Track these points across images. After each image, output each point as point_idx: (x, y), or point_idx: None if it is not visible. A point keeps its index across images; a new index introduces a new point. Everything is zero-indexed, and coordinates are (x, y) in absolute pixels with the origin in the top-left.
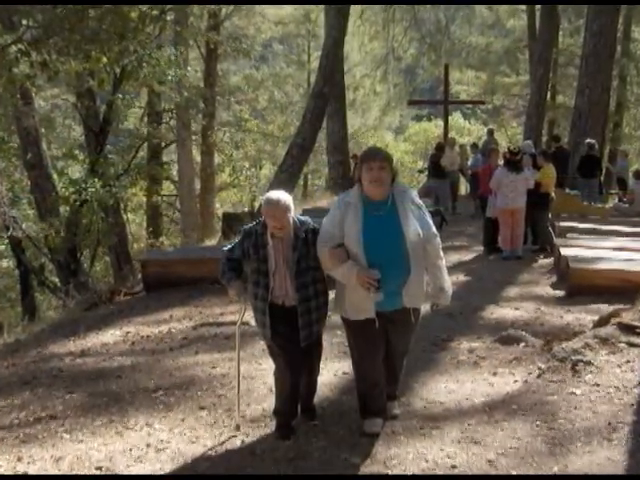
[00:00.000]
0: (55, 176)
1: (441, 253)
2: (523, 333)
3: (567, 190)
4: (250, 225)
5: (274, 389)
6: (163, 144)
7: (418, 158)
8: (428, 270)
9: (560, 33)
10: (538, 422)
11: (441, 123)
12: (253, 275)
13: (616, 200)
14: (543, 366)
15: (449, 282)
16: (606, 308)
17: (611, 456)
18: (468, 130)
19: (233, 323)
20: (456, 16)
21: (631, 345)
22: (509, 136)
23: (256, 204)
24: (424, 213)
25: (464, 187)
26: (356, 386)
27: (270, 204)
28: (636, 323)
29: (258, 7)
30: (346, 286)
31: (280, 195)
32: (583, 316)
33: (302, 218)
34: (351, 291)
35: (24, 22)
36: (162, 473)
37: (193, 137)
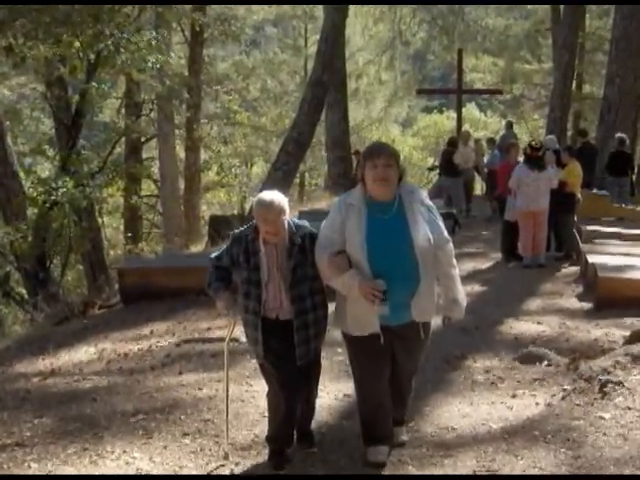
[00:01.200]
0: (22, 174)
1: (454, 261)
2: (546, 350)
3: (595, 190)
4: (240, 230)
5: (267, 413)
6: (143, 139)
7: (428, 154)
8: (439, 280)
9: (587, 15)
10: (562, 450)
11: (454, 115)
12: (243, 286)
13: None
14: (568, 387)
15: (463, 293)
16: (639, 323)
17: None
18: (484, 123)
19: (221, 339)
20: None
21: None
22: (530, 130)
23: (247, 206)
24: (435, 216)
25: (480, 187)
26: (359, 409)
27: (262, 206)
28: None
29: None
30: (348, 298)
31: (274, 196)
32: (613, 331)
33: (298, 222)
34: (353, 303)
35: None
36: None
37: (176, 131)
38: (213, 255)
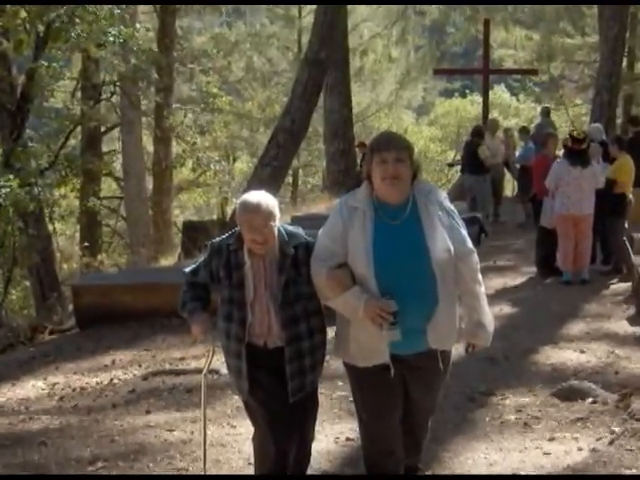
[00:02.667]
0: None
1: (479, 276)
2: (591, 385)
3: None
4: (220, 238)
5: (253, 460)
6: (103, 128)
7: (448, 147)
8: (462, 299)
9: None
10: None
11: (479, 100)
12: (224, 306)
13: None
14: (617, 429)
15: (490, 315)
16: None
17: None
18: (516, 109)
19: (198, 371)
20: None
21: None
22: (571, 117)
23: (228, 210)
24: (456, 221)
25: (510, 186)
26: (364, 456)
27: (247, 210)
28: None
29: None
30: (351, 321)
31: (261, 198)
32: None
33: (291, 229)
34: (358, 328)
35: None
36: None
37: (143, 119)
38: (187, 269)
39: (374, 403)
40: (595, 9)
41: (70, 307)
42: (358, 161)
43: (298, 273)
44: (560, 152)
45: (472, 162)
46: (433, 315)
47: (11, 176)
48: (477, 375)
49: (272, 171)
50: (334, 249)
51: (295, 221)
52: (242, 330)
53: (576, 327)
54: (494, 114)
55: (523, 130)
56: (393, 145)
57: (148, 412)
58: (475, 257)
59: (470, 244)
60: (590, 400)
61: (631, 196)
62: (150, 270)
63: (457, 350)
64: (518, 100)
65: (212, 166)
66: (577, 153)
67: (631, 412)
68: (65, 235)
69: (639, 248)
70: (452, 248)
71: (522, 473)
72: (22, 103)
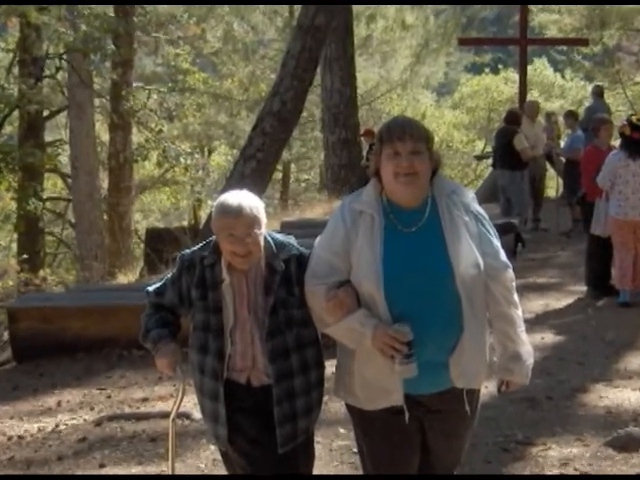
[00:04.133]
0: None
1: (515, 297)
2: None
3: None
4: (192, 250)
5: None
6: (46, 113)
7: (476, 136)
8: (493, 325)
9: None
10: None
11: (515, 77)
12: (198, 334)
13: None
14: None
15: (529, 346)
16: None
17: None
18: (561, 89)
19: (165, 415)
20: None
21: None
22: (630, 99)
23: (202, 214)
24: (487, 229)
25: (554, 183)
26: None
27: (226, 214)
28: None
29: None
30: (355, 353)
31: (243, 199)
32: None
33: (281, 238)
34: (364, 362)
35: None
36: None
37: (96, 101)
38: (151, 288)
39: (384, 455)
40: None
41: (5, 335)
42: (364, 154)
43: (289, 293)
44: (616, 142)
45: (506, 155)
46: (458, 345)
47: None
48: (513, 420)
49: (257, 166)
50: (334, 263)
51: (286, 228)
52: (220, 364)
53: (636, 361)
54: (534, 95)
55: (570, 115)
56: (408, 133)
57: (102, 466)
58: (510, 273)
59: (504, 257)
60: None
61: None
62: (105, 289)
63: (488, 389)
64: (564, 77)
65: (182, 160)
66: (637, 143)
67: None
68: None
69: None
70: (481, 262)
71: None
72: None
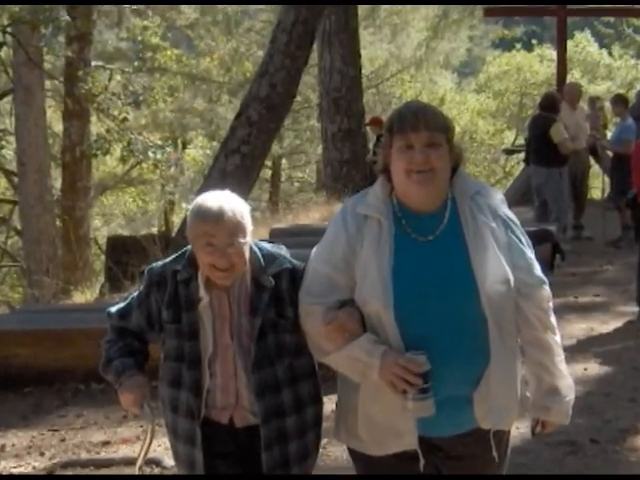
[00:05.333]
0: None
1: (552, 319)
2: None
3: None
4: (163, 263)
5: None
6: None
7: (505, 125)
8: (526, 354)
9: None
10: None
11: (553, 55)
12: (170, 364)
13: None
14: None
15: (569, 379)
16: None
17: None
18: (608, 69)
19: (130, 462)
20: None
21: None
22: None
23: (175, 219)
24: (518, 237)
25: (599, 183)
26: None
27: (205, 220)
28: None
29: None
30: (360, 387)
31: (225, 202)
32: None
33: (270, 249)
34: (370, 397)
35: None
36: None
37: (47, 83)
38: (114, 309)
39: None
40: None
41: None
42: (370, 147)
43: (280, 315)
44: None
45: (542, 148)
46: (483, 378)
47: None
48: (550, 468)
49: (241, 161)
50: (334, 279)
51: (276, 236)
52: (196, 401)
53: None
54: (575, 76)
55: (619, 100)
56: (423, 122)
57: None
58: (546, 291)
59: (539, 271)
60: None
61: None
62: (58, 310)
63: (519, 430)
64: (611, 55)
65: (151, 154)
66: None
67: None
68: None
69: None
70: (512, 278)
71: None
72: None
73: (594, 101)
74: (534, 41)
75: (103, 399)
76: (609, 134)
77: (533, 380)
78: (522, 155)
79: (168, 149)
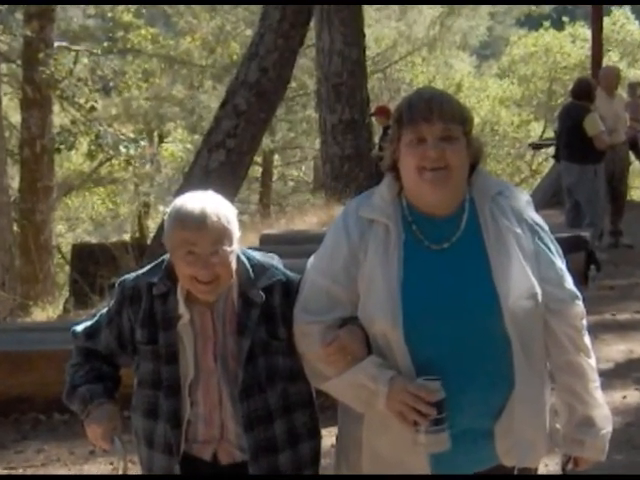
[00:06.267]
0: None
1: (586, 340)
2: None
3: None
4: (137, 275)
5: None
6: None
7: (532, 115)
8: (556, 380)
9: None
10: None
11: (586, 34)
12: (145, 392)
13: None
14: None
15: (605, 409)
16: None
17: None
18: None
19: None
20: None
21: None
22: None
23: (151, 224)
24: (547, 245)
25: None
26: None
27: (185, 225)
28: None
29: None
30: (364, 418)
31: (208, 204)
32: None
33: (260, 258)
34: (376, 430)
35: None
36: None
37: (3, 67)
38: (80, 328)
39: None
40: None
41: None
42: (376, 140)
43: (272, 334)
44: None
45: (574, 142)
46: (507, 407)
47: None
48: None
49: (227, 157)
50: (334, 293)
51: (267, 244)
52: (175, 434)
53: None
54: (612, 58)
55: None
56: (437, 112)
57: None
58: (579, 307)
59: (571, 285)
60: None
61: None
62: (16, 329)
63: (548, 468)
64: None
65: (123, 149)
66: None
67: None
68: None
69: None
70: (539, 292)
71: None
72: None
73: (634, 87)
74: (565, 18)
75: (67, 432)
76: None
77: (564, 410)
78: (551, 150)
79: (142, 143)
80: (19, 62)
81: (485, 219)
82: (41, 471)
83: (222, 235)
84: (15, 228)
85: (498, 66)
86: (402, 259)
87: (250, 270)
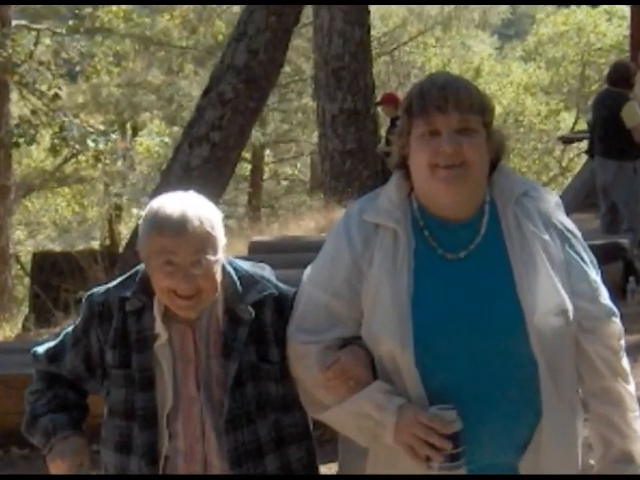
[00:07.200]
0: None
1: (624, 362)
2: None
3: None
4: (107, 288)
5: None
6: None
7: (562, 105)
8: (590, 408)
9: None
10: None
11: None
12: (116, 422)
13: None
14: None
15: None
16: None
17: None
18: None
19: None
20: None
21: None
22: None
23: (123, 230)
24: (579, 254)
25: None
26: None
27: (163, 230)
28: None
29: None
30: (369, 453)
31: (188, 206)
32: None
33: (248, 268)
34: (382, 467)
35: None
36: None
37: None
38: (41, 349)
39: None
40: None
41: None
42: (382, 133)
43: (262, 357)
44: None
45: (610, 135)
46: (533, 440)
47: None
48: None
49: (211, 153)
50: (335, 309)
51: (257, 252)
52: (151, 470)
53: None
54: None
55: None
56: (453, 101)
57: None
58: (616, 325)
59: (607, 299)
60: None
61: None
62: None
63: None
64: None
65: (91, 143)
66: None
67: None
68: None
69: None
70: (570, 307)
71: None
72: None
73: None
74: None
75: (27, 468)
76: None
77: (599, 443)
78: (584, 144)
79: (113, 136)
80: None
81: (508, 224)
82: None
83: (205, 242)
84: None
85: (523, 48)
86: (412, 270)
87: (237, 283)
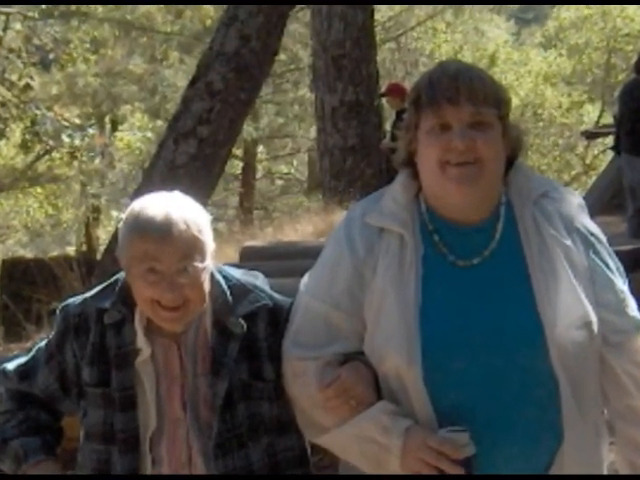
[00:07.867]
0: None
1: None
2: None
3: None
4: (84, 298)
5: None
6: None
7: (585, 96)
8: (616, 431)
9: None
10: None
11: None
12: (94, 446)
13: None
14: None
15: None
16: None
17: None
18: None
19: None
20: None
21: None
22: None
23: (102, 234)
24: (604, 261)
25: None
26: None
27: (145, 234)
28: None
29: None
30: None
31: (173, 208)
32: None
33: (239, 276)
34: None
35: None
36: None
37: None
38: (12, 367)
39: None
40: None
41: None
42: (387, 127)
43: (255, 374)
44: None
45: (638, 130)
46: (553, 465)
47: None
48: None
49: (198, 150)
50: (335, 321)
51: (249, 259)
52: None
53: None
54: None
55: None
56: (465, 92)
57: None
58: None
59: (635, 311)
60: None
61: None
62: None
63: None
64: None
65: (66, 138)
66: None
67: None
68: None
69: None
70: (594, 319)
71: None
72: None
73: None
74: None
75: None
76: None
77: (626, 468)
78: (610, 140)
79: (91, 131)
80: None
81: (526, 228)
82: None
83: (192, 248)
84: None
85: (542, 33)
86: (420, 278)
87: (227, 292)
